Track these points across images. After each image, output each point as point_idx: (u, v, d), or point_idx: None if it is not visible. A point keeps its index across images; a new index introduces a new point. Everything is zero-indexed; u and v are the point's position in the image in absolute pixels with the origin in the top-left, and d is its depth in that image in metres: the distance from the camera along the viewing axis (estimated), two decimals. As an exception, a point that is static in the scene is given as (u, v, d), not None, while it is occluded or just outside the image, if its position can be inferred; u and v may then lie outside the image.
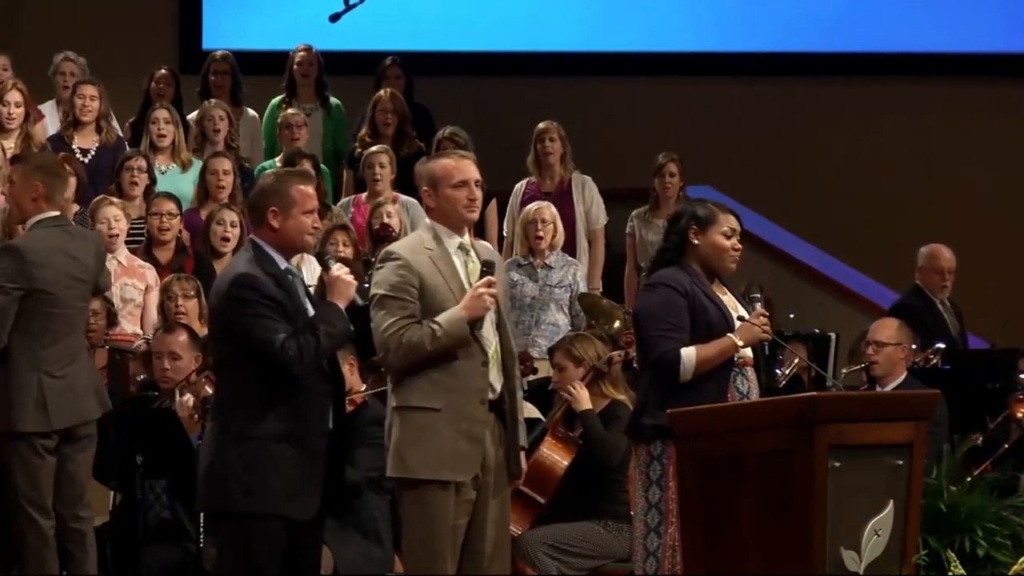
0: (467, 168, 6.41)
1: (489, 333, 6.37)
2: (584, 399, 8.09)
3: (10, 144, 10.48)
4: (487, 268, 6.35)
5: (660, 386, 6.55)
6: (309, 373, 6.08)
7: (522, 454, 6.54)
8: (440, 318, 6.23)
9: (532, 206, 10.49)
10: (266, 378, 6.06)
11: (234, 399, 6.15)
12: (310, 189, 6.23)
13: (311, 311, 6.21)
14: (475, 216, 6.42)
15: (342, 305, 6.15)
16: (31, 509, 7.23)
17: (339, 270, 6.22)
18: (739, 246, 6.73)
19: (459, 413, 6.27)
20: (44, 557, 7.26)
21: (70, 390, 7.34)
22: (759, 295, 6.79)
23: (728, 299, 6.72)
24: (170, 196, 10.06)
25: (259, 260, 6.14)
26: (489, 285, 6.29)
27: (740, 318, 6.63)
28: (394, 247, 6.57)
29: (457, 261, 6.38)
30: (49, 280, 7.28)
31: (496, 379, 6.39)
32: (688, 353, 6.50)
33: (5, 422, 7.22)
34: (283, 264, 6.19)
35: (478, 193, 6.42)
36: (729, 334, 6.59)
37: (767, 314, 6.71)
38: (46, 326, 7.28)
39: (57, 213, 7.42)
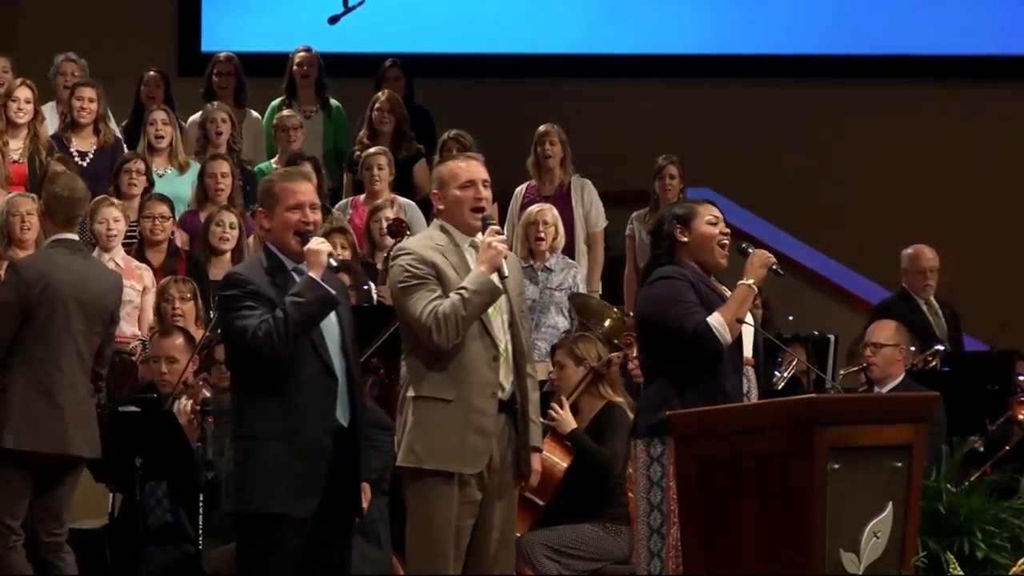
0: (474, 168, 6.47)
1: (500, 331, 6.41)
2: (568, 421, 8.07)
3: (18, 144, 10.50)
4: (488, 221, 6.40)
5: (677, 380, 6.58)
6: (286, 351, 6.03)
7: (535, 455, 6.57)
8: (463, 282, 6.29)
9: (533, 208, 10.50)
10: (262, 376, 6.07)
11: (236, 399, 6.21)
12: (296, 185, 6.22)
13: None
14: (479, 222, 6.43)
15: (316, 274, 6.11)
16: (3, 515, 7.26)
17: (311, 243, 6.17)
18: (727, 230, 6.78)
19: (469, 406, 6.31)
20: (10, 560, 7.27)
21: (56, 416, 7.30)
22: (747, 244, 6.88)
23: (728, 295, 6.75)
24: (163, 198, 10.08)
25: (263, 260, 6.20)
26: (495, 234, 6.34)
27: (739, 320, 6.64)
28: (404, 243, 6.69)
29: (469, 256, 6.42)
30: (40, 299, 7.29)
31: (506, 378, 6.42)
32: (715, 318, 6.56)
33: None
34: (290, 264, 6.20)
35: (486, 193, 6.47)
36: (739, 282, 6.64)
37: (764, 251, 6.77)
38: (37, 342, 7.29)
39: (69, 236, 7.44)
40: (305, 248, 6.15)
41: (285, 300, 6.05)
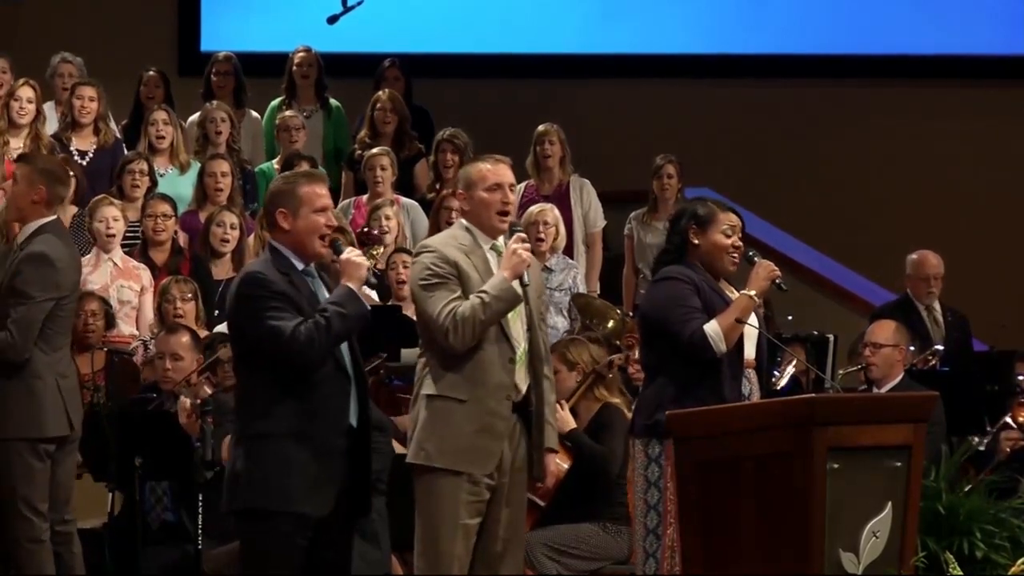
0: (502, 172, 6.51)
1: (519, 333, 6.44)
2: (567, 421, 8.05)
3: (19, 143, 10.51)
4: (515, 228, 6.44)
5: (676, 380, 6.58)
6: (324, 359, 6.05)
7: (550, 456, 6.60)
8: (485, 287, 6.32)
9: (534, 208, 10.48)
10: (278, 375, 6.05)
11: (247, 398, 6.16)
12: (319, 188, 6.22)
13: None
14: (506, 225, 6.49)
15: (355, 287, 6.13)
16: (27, 511, 7.24)
17: (350, 253, 6.20)
18: (740, 243, 6.76)
19: (483, 407, 6.34)
20: (40, 558, 7.27)
21: (74, 391, 7.39)
22: (754, 252, 6.85)
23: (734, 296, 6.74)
24: (165, 198, 10.07)
25: (273, 261, 6.17)
26: (521, 241, 6.36)
27: (740, 320, 6.64)
28: (427, 241, 6.72)
29: (491, 258, 6.46)
30: (67, 286, 7.31)
31: (522, 380, 6.45)
32: (712, 327, 6.54)
33: (31, 428, 7.22)
34: (300, 265, 6.19)
35: (512, 196, 6.53)
36: (741, 291, 6.63)
37: (770, 263, 6.76)
38: (58, 331, 7.30)
39: (56, 217, 7.43)
40: (342, 259, 6.16)
41: (329, 309, 6.04)
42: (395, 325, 8.69)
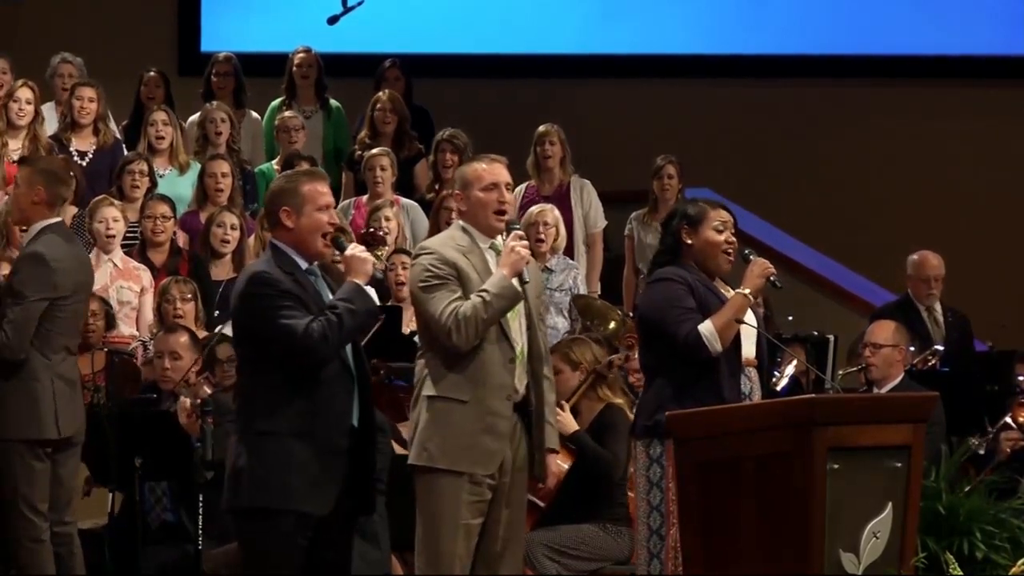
0: (498, 171, 6.51)
1: (517, 334, 6.45)
2: (569, 423, 8.04)
3: (17, 144, 10.52)
4: (513, 226, 6.45)
5: (675, 381, 6.58)
6: (335, 356, 6.05)
7: (551, 457, 6.61)
8: (485, 285, 6.32)
9: (534, 208, 10.48)
10: (285, 375, 6.05)
11: (252, 398, 6.15)
12: (321, 187, 6.23)
13: None
14: (503, 225, 6.49)
15: (361, 282, 6.14)
16: (27, 511, 7.24)
17: (354, 248, 6.20)
18: (733, 239, 6.77)
19: (484, 407, 6.35)
20: (41, 558, 7.27)
21: (74, 396, 7.37)
22: (750, 251, 6.86)
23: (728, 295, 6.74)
24: (164, 198, 10.08)
25: (277, 260, 6.16)
26: (519, 239, 6.37)
27: (737, 320, 6.64)
28: (425, 243, 6.73)
29: (489, 258, 6.46)
30: (66, 287, 7.29)
31: (520, 380, 6.46)
32: (706, 327, 6.55)
33: (30, 429, 7.20)
34: (303, 264, 6.18)
35: (508, 196, 6.53)
36: (735, 290, 6.63)
37: (765, 260, 6.76)
38: (58, 332, 7.29)
39: (60, 219, 7.43)
40: (347, 254, 6.17)
41: (339, 305, 6.05)
42: (394, 330, 8.70)
